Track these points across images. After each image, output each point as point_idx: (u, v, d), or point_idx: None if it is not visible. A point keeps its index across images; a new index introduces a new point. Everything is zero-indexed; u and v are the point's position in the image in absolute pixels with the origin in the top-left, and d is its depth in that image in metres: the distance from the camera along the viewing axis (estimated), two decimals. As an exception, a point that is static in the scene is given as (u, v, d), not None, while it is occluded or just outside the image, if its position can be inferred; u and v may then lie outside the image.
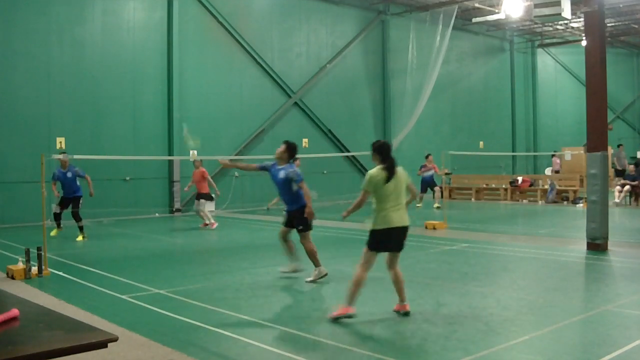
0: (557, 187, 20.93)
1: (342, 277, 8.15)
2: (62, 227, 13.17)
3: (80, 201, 12.85)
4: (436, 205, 18.62)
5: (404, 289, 6.16)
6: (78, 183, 12.86)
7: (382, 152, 6.26)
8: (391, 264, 6.20)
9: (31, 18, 15.59)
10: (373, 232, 6.10)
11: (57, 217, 12.97)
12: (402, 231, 6.12)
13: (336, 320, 5.87)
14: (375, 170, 6.18)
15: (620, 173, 21.72)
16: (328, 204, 21.28)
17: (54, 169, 12.66)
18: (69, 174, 12.76)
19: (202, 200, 14.61)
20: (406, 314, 6.08)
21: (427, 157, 19.03)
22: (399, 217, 6.11)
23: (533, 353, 4.91)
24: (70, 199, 12.82)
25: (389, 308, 6.39)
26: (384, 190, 6.09)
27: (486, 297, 6.99)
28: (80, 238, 12.62)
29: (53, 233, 12.94)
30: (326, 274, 7.96)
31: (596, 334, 5.40)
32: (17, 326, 2.63)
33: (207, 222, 14.58)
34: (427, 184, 18.99)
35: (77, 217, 12.76)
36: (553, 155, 26.13)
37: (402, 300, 6.17)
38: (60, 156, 11.98)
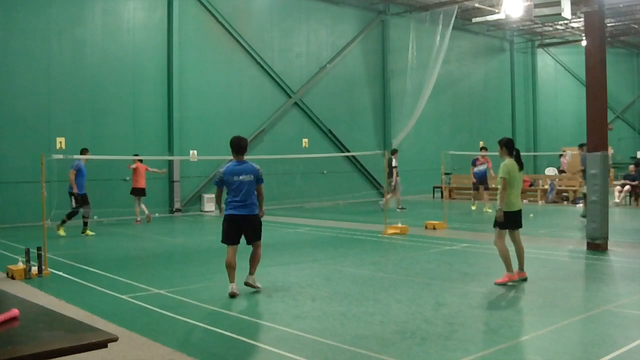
0: (557, 187, 20.94)
1: (341, 277, 8.15)
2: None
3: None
4: (486, 208, 17.22)
5: (524, 259, 7.66)
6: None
7: (510, 146, 7.70)
8: (514, 239, 7.67)
9: (31, 18, 15.59)
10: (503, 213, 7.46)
11: (75, 215, 13.15)
12: (520, 213, 7.67)
13: (500, 285, 7.36)
14: (509, 161, 7.57)
15: None
16: (328, 204, 21.30)
17: (76, 161, 12.81)
18: (84, 169, 13.17)
19: (141, 197, 15.63)
20: (524, 279, 7.58)
21: (481, 149, 18.02)
22: (519, 202, 7.65)
23: (533, 353, 4.92)
24: (84, 195, 13.08)
25: (388, 308, 6.39)
26: (513, 178, 7.51)
27: (486, 297, 7.00)
28: (91, 232, 13.32)
29: (62, 233, 13.11)
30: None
31: (596, 334, 5.40)
32: (17, 326, 2.62)
33: (140, 218, 15.65)
34: (480, 181, 17.57)
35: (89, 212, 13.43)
36: (561, 155, 25.96)
37: (521, 268, 7.64)
38: (88, 154, 12.72)
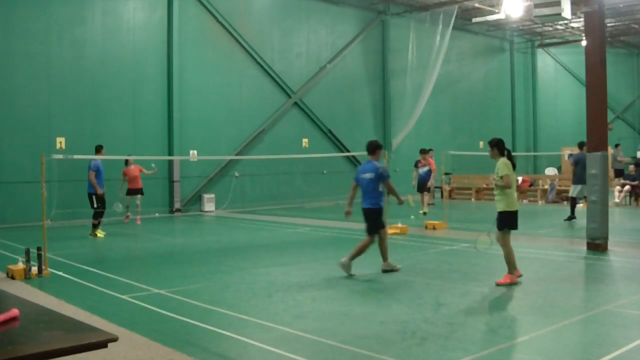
0: (557, 187, 20.93)
1: (342, 277, 8.15)
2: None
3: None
4: (423, 210, 16.78)
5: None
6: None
7: (500, 146, 7.72)
8: (506, 240, 7.60)
9: (31, 18, 15.58)
10: (509, 214, 7.56)
11: (102, 215, 13.17)
12: (517, 213, 7.65)
13: (501, 285, 7.34)
14: (506, 159, 7.61)
15: (620, 173, 21.68)
16: (328, 203, 21.30)
17: (94, 161, 12.82)
18: (101, 167, 13.20)
19: (139, 196, 15.51)
20: (519, 276, 7.56)
21: (422, 152, 17.56)
22: (517, 201, 7.70)
23: (533, 353, 4.91)
24: (102, 196, 13.08)
25: (389, 308, 6.40)
26: (513, 177, 7.55)
27: (486, 297, 7.00)
28: (101, 235, 13.10)
29: (101, 234, 13.05)
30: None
31: (596, 334, 5.40)
32: (17, 326, 2.63)
33: (139, 216, 15.61)
34: (421, 183, 17.15)
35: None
36: (571, 155, 25.87)
37: (511, 270, 7.55)
38: (100, 155, 12.86)
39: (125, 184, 15.37)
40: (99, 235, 12.97)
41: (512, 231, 7.77)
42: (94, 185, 12.79)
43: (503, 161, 7.61)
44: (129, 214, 15.73)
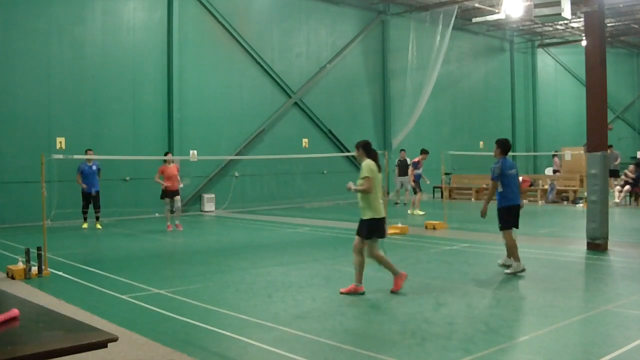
0: (557, 187, 20.93)
1: (341, 277, 8.15)
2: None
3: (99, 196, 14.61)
4: (418, 211, 16.89)
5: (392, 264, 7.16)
6: (98, 177, 14.58)
7: (367, 148, 7.19)
8: (374, 250, 7.09)
9: (31, 18, 15.58)
10: (370, 221, 6.95)
11: (85, 212, 14.62)
12: (384, 221, 7.12)
13: (344, 294, 6.91)
14: (370, 161, 7.07)
15: (614, 173, 21.70)
16: (328, 203, 21.30)
17: (79, 163, 14.19)
18: (94, 167, 14.37)
19: (178, 197, 14.23)
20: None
21: (425, 152, 17.82)
22: (382, 208, 7.11)
23: (533, 353, 4.91)
24: (90, 195, 14.36)
25: (389, 308, 6.39)
26: (376, 181, 7.01)
27: (486, 297, 6.99)
28: (99, 226, 14.50)
29: (85, 225, 14.62)
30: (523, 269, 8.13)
31: (596, 334, 5.40)
32: (17, 326, 2.63)
33: (178, 222, 14.27)
34: (418, 183, 17.50)
35: (97, 208, 14.59)
36: (554, 155, 26.14)
37: (395, 272, 7.12)
38: (90, 154, 13.96)
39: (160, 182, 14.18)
40: (84, 226, 14.56)
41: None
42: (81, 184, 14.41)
43: (366, 163, 7.04)
44: (169, 223, 14.29)
